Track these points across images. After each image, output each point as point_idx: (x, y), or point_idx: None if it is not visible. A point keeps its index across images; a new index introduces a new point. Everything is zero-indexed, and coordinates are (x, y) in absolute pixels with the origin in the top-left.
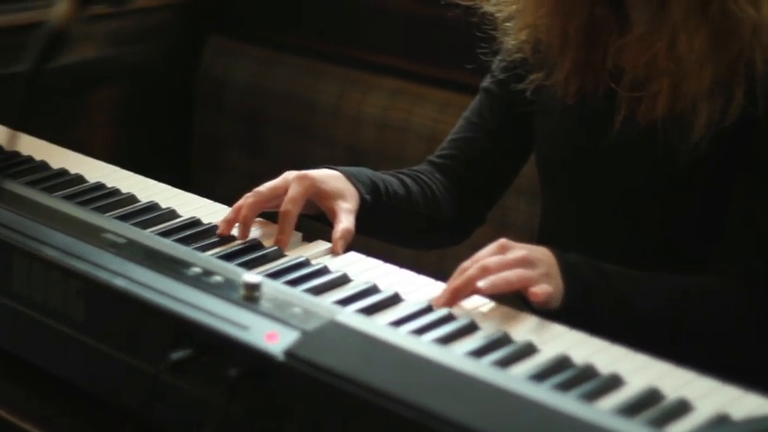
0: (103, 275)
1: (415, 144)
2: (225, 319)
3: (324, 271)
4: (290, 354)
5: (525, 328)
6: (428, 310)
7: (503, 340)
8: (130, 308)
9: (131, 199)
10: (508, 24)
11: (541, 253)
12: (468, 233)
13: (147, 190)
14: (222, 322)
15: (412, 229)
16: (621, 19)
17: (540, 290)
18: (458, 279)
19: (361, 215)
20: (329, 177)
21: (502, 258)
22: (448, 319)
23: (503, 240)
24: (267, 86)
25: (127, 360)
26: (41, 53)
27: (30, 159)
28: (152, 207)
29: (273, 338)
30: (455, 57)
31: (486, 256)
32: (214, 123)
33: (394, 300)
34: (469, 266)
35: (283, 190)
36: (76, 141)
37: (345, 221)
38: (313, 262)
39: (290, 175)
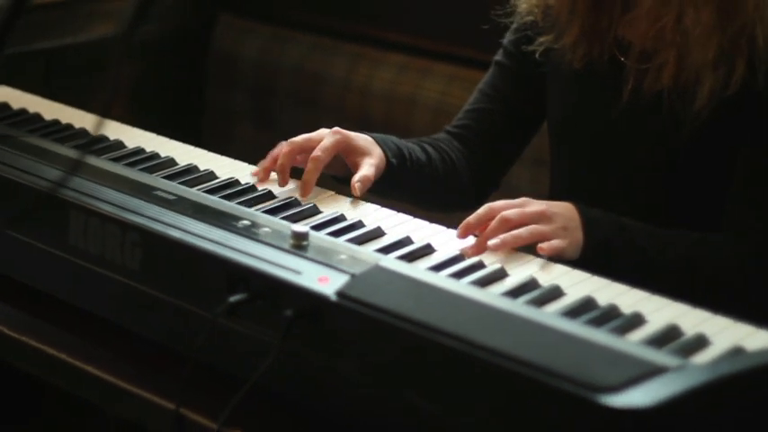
0: (159, 228)
1: (423, 116)
2: (278, 265)
3: (359, 225)
4: (342, 294)
5: (552, 275)
6: (459, 258)
7: (531, 284)
8: (186, 257)
9: (171, 162)
10: None
11: (561, 207)
12: (484, 197)
13: (187, 154)
14: (276, 268)
15: (432, 192)
16: None
17: (548, 245)
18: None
19: (387, 178)
20: (361, 137)
21: (522, 210)
22: (479, 266)
23: (524, 198)
24: (277, 62)
25: (182, 306)
26: (136, 15)
27: (69, 126)
28: (191, 169)
29: (325, 281)
30: (461, 32)
31: (507, 207)
32: (225, 98)
33: (427, 249)
34: (492, 212)
35: (317, 141)
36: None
37: (366, 170)
38: (347, 216)
39: (325, 129)
